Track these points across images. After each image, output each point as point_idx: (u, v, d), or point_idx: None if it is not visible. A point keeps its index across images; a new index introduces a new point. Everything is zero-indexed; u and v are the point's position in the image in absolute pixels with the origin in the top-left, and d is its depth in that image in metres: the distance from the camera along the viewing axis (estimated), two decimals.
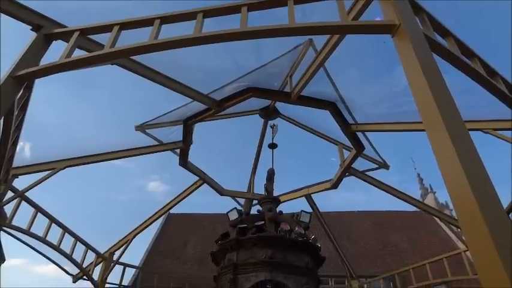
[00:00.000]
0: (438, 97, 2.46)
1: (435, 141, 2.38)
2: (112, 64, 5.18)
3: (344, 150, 8.50)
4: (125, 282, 10.18)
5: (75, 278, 8.94)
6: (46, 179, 7.20)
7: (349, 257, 11.32)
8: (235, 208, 6.82)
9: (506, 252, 1.72)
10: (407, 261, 13.58)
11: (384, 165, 9.04)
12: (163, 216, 12.59)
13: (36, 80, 4.45)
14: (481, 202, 1.91)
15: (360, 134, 7.63)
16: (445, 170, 2.22)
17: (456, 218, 9.34)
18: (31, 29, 3.88)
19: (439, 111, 2.37)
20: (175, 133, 7.86)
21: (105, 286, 9.15)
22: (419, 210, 16.97)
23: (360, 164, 8.72)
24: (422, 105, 2.59)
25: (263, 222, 6.33)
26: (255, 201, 10.06)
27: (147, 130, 8.00)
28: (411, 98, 2.80)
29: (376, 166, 9.05)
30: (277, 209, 7.11)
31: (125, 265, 10.02)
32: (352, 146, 7.88)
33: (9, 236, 7.33)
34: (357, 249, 18.28)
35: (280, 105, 8.43)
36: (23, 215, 7.36)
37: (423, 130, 2.67)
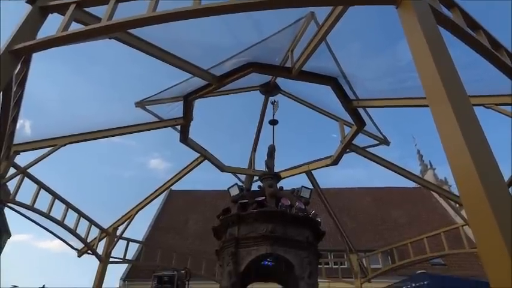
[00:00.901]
0: (443, 71, 2.40)
1: (438, 116, 2.34)
2: (110, 38, 5.09)
3: (345, 126, 8.46)
4: (129, 257, 10.40)
5: (80, 253, 9.14)
6: (48, 156, 7.23)
7: (349, 232, 11.51)
8: (236, 184, 6.85)
9: (508, 229, 1.73)
10: (405, 236, 13.80)
11: (384, 142, 9.04)
12: (165, 192, 12.74)
13: (34, 56, 4.38)
14: (484, 177, 1.90)
15: (361, 110, 7.58)
16: (448, 145, 2.20)
17: (455, 193, 9.43)
18: (26, 1, 3.78)
19: (444, 86, 2.32)
20: (175, 109, 7.81)
21: (110, 260, 9.37)
22: (418, 186, 17.12)
23: (361, 140, 8.72)
24: (426, 80, 2.53)
25: (264, 197, 6.38)
26: (255, 178, 10.12)
27: (147, 106, 7.96)
28: (414, 74, 2.74)
29: (376, 142, 9.05)
30: (278, 185, 7.16)
31: (128, 240, 10.19)
32: (353, 122, 7.84)
33: (14, 212, 7.42)
34: (356, 225, 18.59)
35: (281, 81, 8.34)
36: (26, 192, 7.44)
37: (425, 106, 2.64)
